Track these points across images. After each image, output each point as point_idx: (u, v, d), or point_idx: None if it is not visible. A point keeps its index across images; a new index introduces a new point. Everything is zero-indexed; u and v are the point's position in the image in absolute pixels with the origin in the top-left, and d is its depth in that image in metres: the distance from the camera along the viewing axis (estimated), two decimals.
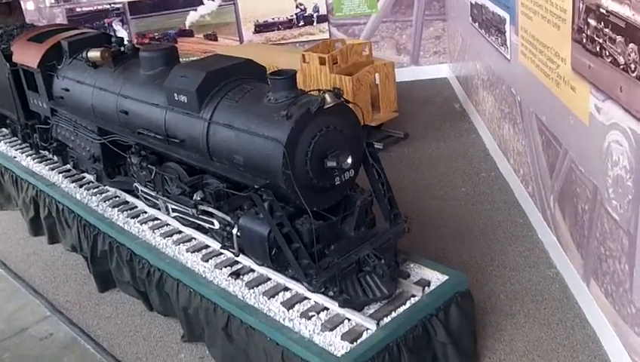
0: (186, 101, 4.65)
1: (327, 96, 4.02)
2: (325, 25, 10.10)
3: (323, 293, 4.20)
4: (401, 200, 6.65)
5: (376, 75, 7.95)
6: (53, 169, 7.15)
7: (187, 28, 10.50)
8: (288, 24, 10.19)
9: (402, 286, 4.32)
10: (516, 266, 5.46)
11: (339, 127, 4.17)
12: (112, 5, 10.54)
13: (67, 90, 6.12)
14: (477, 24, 7.52)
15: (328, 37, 10.06)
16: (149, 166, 5.27)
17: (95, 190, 6.48)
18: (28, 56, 6.49)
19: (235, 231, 4.44)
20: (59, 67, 6.26)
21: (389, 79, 8.06)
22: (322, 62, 7.91)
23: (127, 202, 6.16)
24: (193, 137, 4.66)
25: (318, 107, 3.99)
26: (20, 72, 6.78)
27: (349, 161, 4.10)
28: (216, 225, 4.75)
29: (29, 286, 6.36)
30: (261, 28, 10.27)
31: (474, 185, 6.93)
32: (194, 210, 4.83)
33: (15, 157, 7.76)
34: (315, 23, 10.10)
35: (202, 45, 10.52)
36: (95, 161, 6.10)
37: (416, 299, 4.23)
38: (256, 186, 4.08)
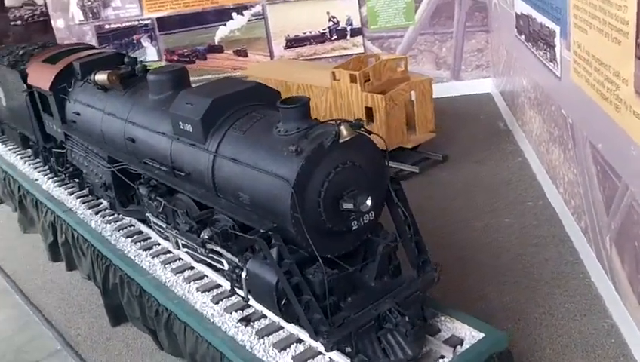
0: (191, 130, 4.21)
1: (342, 127, 3.52)
2: (360, 39, 9.61)
3: (339, 350, 3.71)
4: (437, 232, 6.20)
5: (412, 92, 7.41)
6: (71, 193, 6.85)
7: (217, 44, 10.15)
8: (320, 38, 9.73)
9: (430, 344, 3.77)
10: (565, 314, 4.84)
11: (358, 162, 3.67)
12: (141, 22, 10.26)
13: (78, 113, 5.78)
14: (523, 37, 6.92)
15: (363, 51, 9.56)
16: (158, 198, 4.86)
17: (110, 218, 6.15)
18: (41, 78, 6.19)
19: (243, 275, 3.98)
20: (70, 90, 5.93)
21: (425, 97, 7.51)
22: (353, 79, 7.42)
23: (140, 232, 5.80)
24: (199, 171, 4.22)
25: (332, 141, 3.50)
26: (35, 94, 6.49)
27: (368, 202, 3.59)
28: (226, 266, 4.31)
29: (43, 316, 6.08)
30: (292, 43, 9.83)
31: (519, 215, 6.31)
32: (202, 249, 4.40)
33: (37, 180, 7.50)
34: (348, 37, 9.62)
35: (232, 61, 10.15)
36: (107, 189, 5.73)
37: (446, 361, 3.68)
38: (261, 230, 3.61)
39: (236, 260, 4.08)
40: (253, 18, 9.89)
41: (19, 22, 13.97)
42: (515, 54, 7.72)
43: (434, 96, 7.98)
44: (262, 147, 3.79)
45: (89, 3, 10.41)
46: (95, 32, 10.53)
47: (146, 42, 10.40)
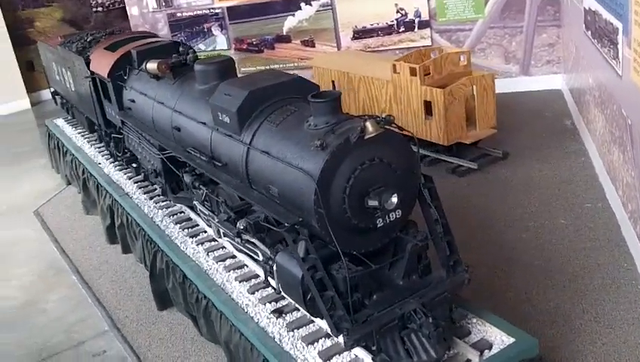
0: (228, 122, 4.23)
1: (368, 123, 3.43)
2: (427, 31, 9.42)
3: (365, 347, 3.65)
4: (488, 229, 6.05)
5: (473, 87, 7.21)
6: (129, 178, 7.05)
7: (285, 33, 10.18)
8: (388, 30, 9.60)
9: (457, 347, 3.67)
10: (612, 322, 4.61)
11: (386, 159, 3.58)
12: (212, 10, 10.40)
13: (133, 101, 5.92)
14: (590, 32, 6.62)
15: (430, 44, 9.38)
16: (201, 186, 4.92)
17: (163, 203, 6.29)
18: (101, 65, 6.37)
19: (274, 267, 3.98)
20: (127, 77, 6.07)
21: (487, 92, 7.29)
22: (413, 72, 7.29)
23: (189, 219, 5.90)
24: (234, 162, 4.24)
25: (358, 136, 3.43)
26: (97, 80, 6.69)
27: (394, 200, 3.50)
28: (260, 257, 4.32)
29: (95, 297, 6.27)
30: (359, 34, 9.75)
31: (575, 217, 6.06)
32: (238, 239, 4.42)
33: (100, 163, 7.76)
34: (416, 29, 9.45)
35: (299, 51, 10.17)
36: (157, 176, 5.85)
37: None
38: (286, 224, 3.59)
39: (269, 252, 4.09)
40: (322, 9, 9.86)
41: (100, 8, 14.42)
42: (582, 51, 7.40)
43: (501, 91, 7.74)
44: (291, 141, 3.77)
45: None
46: (167, 20, 10.75)
47: (216, 31, 10.55)
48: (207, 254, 5.28)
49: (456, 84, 7.07)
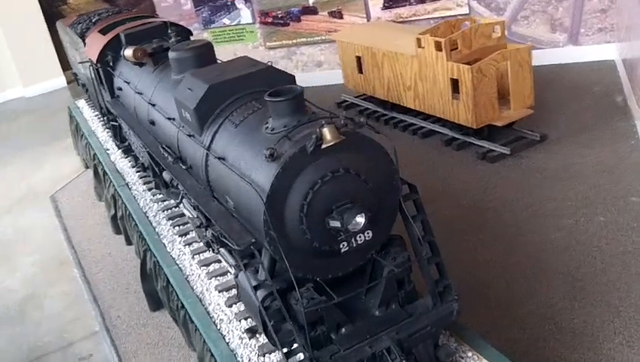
0: (189, 119, 3.69)
1: (325, 130, 2.79)
2: None
3: None
4: (514, 228, 5.35)
5: (507, 62, 6.44)
6: (133, 167, 6.63)
7: (311, 5, 9.53)
8: None
9: None
10: None
11: (355, 170, 2.95)
12: None
13: (120, 89, 5.45)
14: None
15: (467, 12, 8.57)
16: (179, 186, 4.42)
17: (159, 196, 5.83)
18: (92, 49, 5.93)
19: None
20: (117, 63, 5.59)
21: (523, 68, 6.51)
22: (439, 47, 6.57)
23: (183, 215, 5.43)
24: (196, 165, 3.72)
25: (314, 145, 2.82)
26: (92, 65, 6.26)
27: (360, 220, 2.86)
28: (232, 270, 3.81)
29: (92, 293, 5.94)
30: (390, 3, 9.01)
31: (617, 213, 5.30)
32: (209, 249, 3.92)
33: (108, 150, 7.38)
34: None
35: (327, 24, 9.51)
36: (146, 170, 5.39)
37: None
38: (236, 247, 3.04)
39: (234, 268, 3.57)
40: None
41: None
42: (636, 17, 6.50)
43: (545, 63, 6.89)
44: (246, 146, 3.20)
45: None
46: None
47: (240, 4, 9.99)
48: (193, 257, 4.82)
49: (486, 60, 6.33)
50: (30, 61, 12.94)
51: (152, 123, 4.52)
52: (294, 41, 9.89)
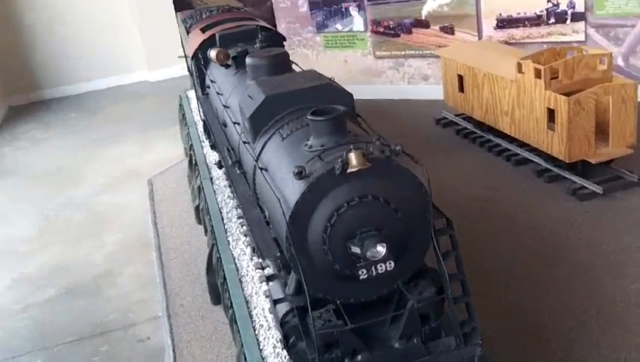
0: (247, 127, 3.77)
1: (352, 155, 2.76)
2: (581, 25, 8.20)
3: None
4: (592, 274, 5.06)
5: (609, 97, 6.10)
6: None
7: (423, 18, 9.42)
8: (536, 21, 8.51)
9: None
10: None
11: (384, 197, 2.92)
12: None
13: (208, 87, 5.65)
14: None
15: (583, 39, 8.18)
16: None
17: None
18: (191, 44, 6.17)
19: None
20: (208, 61, 5.79)
21: (626, 104, 6.14)
22: (538, 74, 6.32)
23: None
24: (248, 172, 3.79)
25: (341, 168, 2.80)
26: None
27: (380, 249, 2.81)
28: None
29: (163, 278, 6.18)
30: (504, 23, 8.75)
31: None
32: (254, 254, 4.00)
33: (203, 141, 7.65)
34: (568, 22, 8.26)
35: (437, 38, 9.37)
36: (221, 167, 5.56)
37: None
38: (261, 260, 3.09)
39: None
40: None
41: None
42: None
43: None
44: (286, 161, 3.22)
45: None
46: None
47: (354, 11, 10.05)
48: (251, 258, 4.90)
49: (585, 93, 6.02)
50: (157, 47, 13.59)
51: (224, 125, 4.66)
52: (403, 52, 9.84)
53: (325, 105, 3.61)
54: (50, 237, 7.34)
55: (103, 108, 12.69)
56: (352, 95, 3.72)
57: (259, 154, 3.57)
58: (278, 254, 3.12)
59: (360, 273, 2.92)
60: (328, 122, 3.07)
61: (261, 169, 3.38)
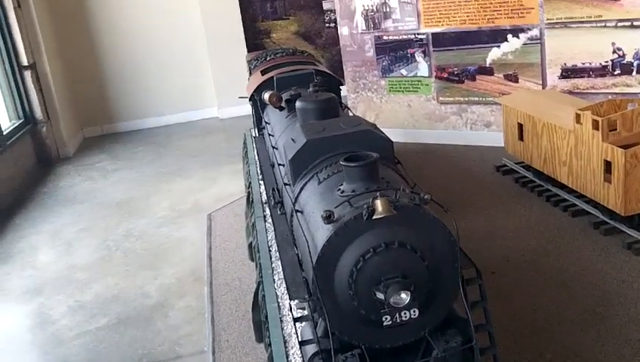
0: (287, 169, 3.89)
1: (378, 202, 2.82)
2: None
3: None
4: (626, 339, 4.89)
5: None
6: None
7: (488, 65, 9.43)
8: (601, 71, 8.39)
9: None
10: None
11: (412, 245, 2.95)
12: (417, 36, 10.02)
13: (264, 127, 5.82)
14: None
15: None
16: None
17: None
18: (250, 85, 6.39)
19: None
20: (265, 103, 5.99)
21: None
22: (596, 125, 6.23)
23: None
24: (287, 213, 3.89)
25: (367, 215, 2.86)
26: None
27: (404, 296, 2.85)
28: None
29: (212, 313, 6.32)
30: (568, 73, 8.66)
31: None
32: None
33: (262, 179, 7.81)
34: (634, 73, 8.11)
35: (501, 85, 9.35)
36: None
37: None
38: (289, 301, 3.16)
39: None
40: (529, 42, 8.94)
41: (332, 24, 14.77)
42: None
43: None
44: (319, 204, 3.31)
45: (372, 13, 10.50)
46: (374, 42, 10.59)
47: (419, 57, 10.15)
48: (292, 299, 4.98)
49: None
50: (227, 86, 14.03)
51: (272, 166, 4.79)
52: (467, 98, 9.84)
53: (364, 149, 3.70)
54: (109, 266, 7.60)
55: (172, 142, 13.14)
56: (391, 141, 3.79)
57: (297, 197, 3.67)
58: (306, 296, 3.18)
59: (384, 319, 2.95)
60: (360, 168, 3.15)
61: (296, 211, 3.47)
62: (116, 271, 7.45)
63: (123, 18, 14.13)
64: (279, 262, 5.57)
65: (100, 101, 14.31)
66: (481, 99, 9.66)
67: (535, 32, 8.85)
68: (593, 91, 8.54)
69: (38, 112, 12.30)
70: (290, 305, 3.68)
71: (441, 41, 9.80)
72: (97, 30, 14.15)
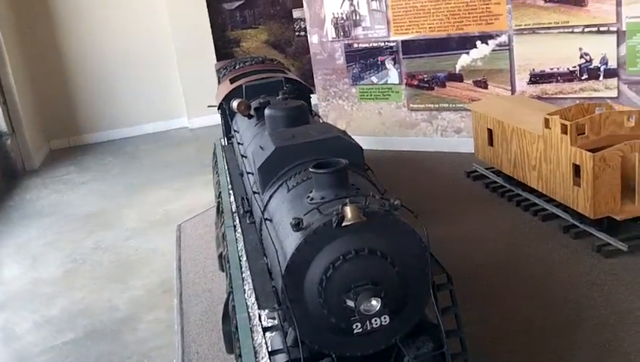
0: (256, 177, 3.82)
1: (347, 208, 2.77)
2: (614, 81, 8.13)
3: None
4: (611, 335, 4.90)
5: (637, 154, 5.98)
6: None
7: (457, 72, 9.46)
8: (569, 76, 8.46)
9: None
10: None
11: (382, 251, 2.89)
12: (387, 43, 10.03)
13: (232, 136, 5.75)
14: None
15: (616, 96, 8.10)
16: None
17: None
18: (218, 94, 6.32)
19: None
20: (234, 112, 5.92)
21: None
22: (564, 130, 6.26)
23: None
24: (257, 222, 3.82)
25: (337, 222, 2.80)
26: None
27: (374, 303, 2.80)
28: None
29: (181, 326, 6.20)
30: (537, 78, 8.72)
31: None
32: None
33: (232, 189, 7.71)
34: (601, 78, 8.20)
35: (470, 92, 9.39)
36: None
37: None
38: (258, 310, 3.09)
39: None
40: (498, 48, 9.00)
41: (302, 33, 14.74)
42: None
43: None
44: (288, 212, 3.25)
45: (342, 21, 10.49)
46: (344, 50, 10.58)
47: (389, 64, 10.15)
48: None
49: (610, 149, 5.93)
50: (197, 95, 13.90)
51: (241, 174, 4.72)
52: (437, 105, 9.86)
53: (333, 156, 3.64)
54: (76, 280, 7.44)
55: (142, 153, 12.98)
56: (361, 148, 3.75)
57: (266, 205, 3.60)
58: (276, 306, 3.11)
59: (354, 327, 2.89)
60: (329, 175, 3.10)
61: (265, 219, 3.41)
62: (83, 285, 7.30)
63: (90, 29, 13.97)
64: (249, 272, 5.52)
65: (67, 113, 14.10)
66: (451, 105, 9.70)
67: (504, 39, 8.91)
68: (561, 96, 8.61)
69: (2, 125, 12.08)
70: (259, 314, 3.60)
71: (410, 48, 9.82)
72: (64, 42, 13.97)
